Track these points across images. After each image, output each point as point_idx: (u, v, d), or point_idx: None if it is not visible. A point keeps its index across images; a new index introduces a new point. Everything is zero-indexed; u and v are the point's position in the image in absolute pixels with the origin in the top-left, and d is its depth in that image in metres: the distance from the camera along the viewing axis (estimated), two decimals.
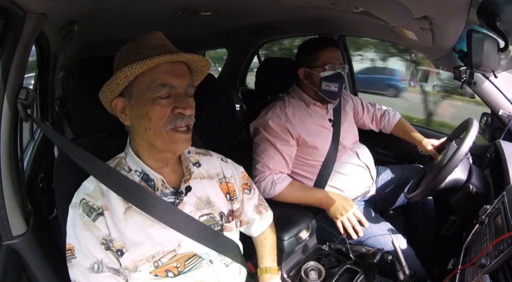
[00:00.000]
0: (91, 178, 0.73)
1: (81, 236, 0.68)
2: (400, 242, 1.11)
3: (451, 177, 1.01)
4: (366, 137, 1.49)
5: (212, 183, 0.83)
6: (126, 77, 0.69)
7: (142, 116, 0.70)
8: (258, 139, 1.27)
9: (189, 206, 0.77)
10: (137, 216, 0.71)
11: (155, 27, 0.77)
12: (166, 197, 0.75)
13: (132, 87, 0.71)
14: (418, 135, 1.44)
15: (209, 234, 0.78)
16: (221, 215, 0.82)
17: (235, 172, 0.89)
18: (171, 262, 0.73)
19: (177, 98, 0.71)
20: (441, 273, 0.98)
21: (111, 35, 1.64)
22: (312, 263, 1.04)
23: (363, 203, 1.35)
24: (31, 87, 1.40)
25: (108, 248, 0.69)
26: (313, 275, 1.01)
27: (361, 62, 5.71)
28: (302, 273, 1.01)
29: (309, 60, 1.27)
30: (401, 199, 1.43)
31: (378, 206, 1.41)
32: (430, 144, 1.37)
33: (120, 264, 0.70)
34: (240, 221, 0.91)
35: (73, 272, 0.68)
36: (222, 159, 0.89)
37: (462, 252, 0.86)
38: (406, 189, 1.36)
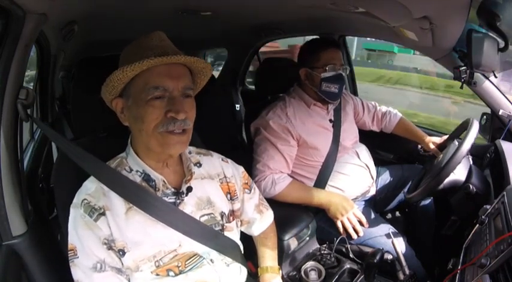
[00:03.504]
0: (92, 178, 0.73)
1: (83, 235, 0.68)
2: (400, 242, 1.11)
3: (451, 177, 1.01)
4: (366, 137, 1.49)
5: (213, 183, 0.83)
6: (119, 80, 0.69)
7: (137, 117, 0.70)
8: (258, 139, 1.27)
9: (189, 206, 0.77)
10: (138, 216, 0.71)
11: (155, 27, 0.77)
12: (167, 197, 0.75)
13: (130, 89, 0.71)
14: (420, 133, 1.45)
15: (210, 234, 0.78)
16: (222, 215, 0.82)
17: (235, 172, 0.89)
18: (172, 262, 0.73)
19: (172, 100, 0.69)
20: (441, 273, 0.98)
21: (111, 35, 1.64)
22: (312, 263, 1.04)
23: (363, 203, 1.35)
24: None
25: (110, 248, 0.69)
26: (313, 275, 1.01)
27: None
28: (302, 273, 1.01)
29: (310, 60, 1.27)
30: (401, 199, 1.43)
31: (378, 206, 1.41)
32: (432, 142, 1.37)
33: (122, 264, 0.70)
34: (241, 221, 0.91)
35: (76, 272, 0.68)
36: (222, 160, 0.89)
37: (462, 252, 0.86)
38: (406, 189, 1.36)
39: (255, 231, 0.95)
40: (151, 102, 0.69)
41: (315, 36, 1.65)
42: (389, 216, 1.50)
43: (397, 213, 1.51)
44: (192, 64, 0.74)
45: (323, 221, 1.21)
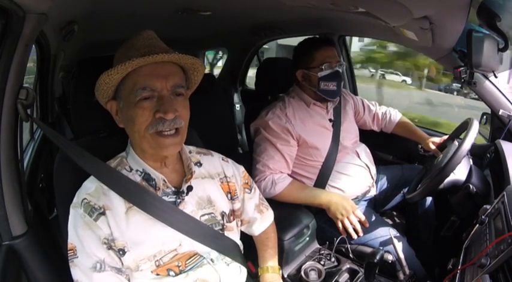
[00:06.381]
0: (92, 178, 0.73)
1: (82, 235, 0.68)
2: (400, 242, 1.11)
3: (451, 177, 1.01)
4: (366, 137, 1.49)
5: (213, 183, 0.83)
6: (106, 83, 0.69)
7: (129, 119, 0.70)
8: (258, 139, 1.27)
9: (190, 205, 0.77)
10: (138, 215, 0.71)
11: (155, 27, 0.77)
12: (167, 196, 0.75)
13: (121, 91, 0.71)
14: (421, 133, 1.45)
15: (210, 234, 0.78)
16: (222, 214, 0.82)
17: (236, 172, 0.89)
18: (172, 261, 0.73)
19: (160, 100, 0.68)
20: (441, 273, 0.98)
21: (111, 35, 1.63)
22: (312, 263, 1.04)
23: (363, 203, 1.34)
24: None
25: (110, 248, 0.69)
26: (313, 275, 1.01)
27: None
28: (302, 273, 1.01)
29: (305, 61, 1.27)
30: (401, 199, 1.43)
31: (378, 206, 1.41)
32: (432, 142, 1.37)
33: (122, 264, 0.70)
34: (241, 221, 0.91)
35: (75, 272, 0.68)
36: (222, 159, 0.89)
37: (462, 252, 0.86)
38: (406, 189, 1.36)
39: (255, 231, 0.95)
40: (140, 104, 0.68)
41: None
42: (389, 216, 1.50)
43: (397, 214, 1.51)
44: (180, 61, 0.73)
45: (323, 221, 1.21)
